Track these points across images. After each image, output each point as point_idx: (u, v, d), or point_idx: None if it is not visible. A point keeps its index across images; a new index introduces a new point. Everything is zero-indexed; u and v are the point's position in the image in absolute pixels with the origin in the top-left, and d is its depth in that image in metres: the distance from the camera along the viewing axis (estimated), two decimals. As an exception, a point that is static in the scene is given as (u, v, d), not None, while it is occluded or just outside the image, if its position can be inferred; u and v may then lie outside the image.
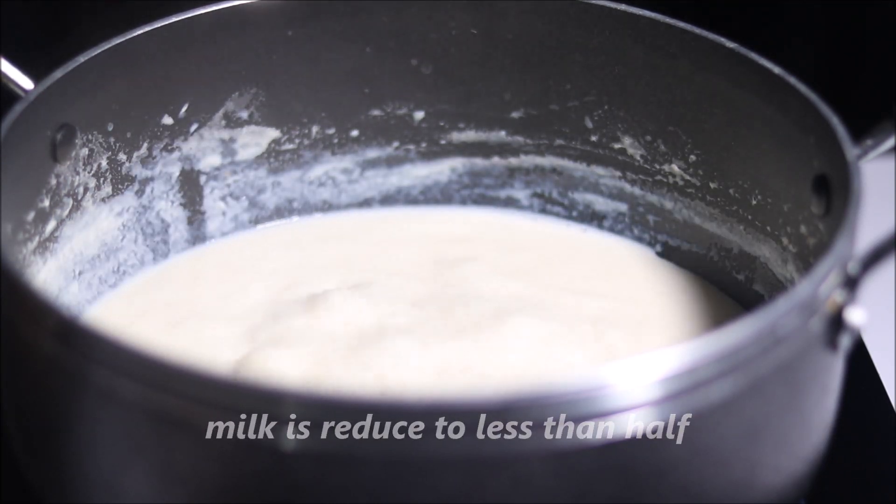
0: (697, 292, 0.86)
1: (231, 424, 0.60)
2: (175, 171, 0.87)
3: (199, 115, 0.87)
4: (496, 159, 0.91)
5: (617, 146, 0.89)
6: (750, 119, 0.82)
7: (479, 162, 0.92)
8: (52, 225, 0.80)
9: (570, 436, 0.60)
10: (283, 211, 0.91)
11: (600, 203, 0.90)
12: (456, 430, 0.59)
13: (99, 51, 0.80)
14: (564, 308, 0.83)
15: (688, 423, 0.62)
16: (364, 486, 0.60)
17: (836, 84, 1.10)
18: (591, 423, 0.60)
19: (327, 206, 0.92)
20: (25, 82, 0.78)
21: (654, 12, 0.84)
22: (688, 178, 0.87)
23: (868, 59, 1.14)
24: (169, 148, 0.87)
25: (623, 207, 0.90)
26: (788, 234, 0.81)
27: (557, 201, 0.91)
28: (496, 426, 0.59)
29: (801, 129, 0.77)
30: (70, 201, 0.82)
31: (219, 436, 0.61)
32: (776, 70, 0.79)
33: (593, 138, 0.89)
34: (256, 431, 0.60)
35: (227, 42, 0.85)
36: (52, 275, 0.80)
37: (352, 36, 0.88)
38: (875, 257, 0.68)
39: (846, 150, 0.72)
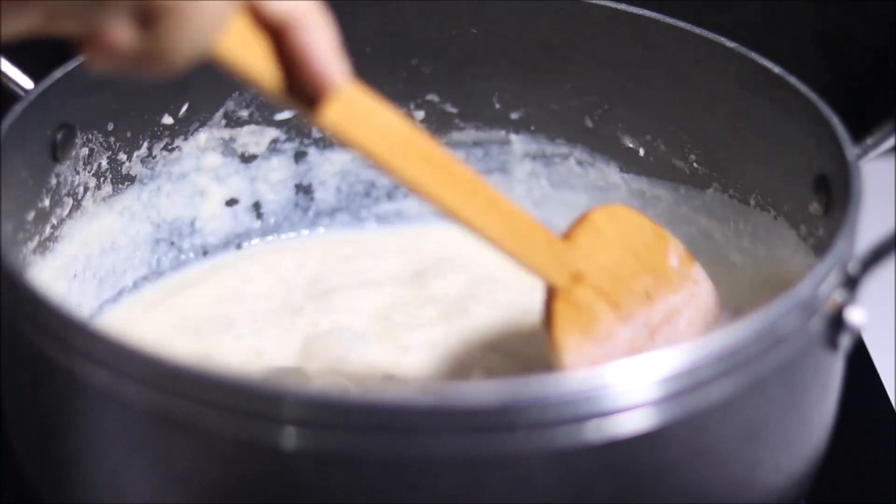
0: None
1: (231, 424, 0.60)
2: (175, 170, 0.87)
3: (199, 115, 0.87)
4: (496, 159, 0.91)
5: (617, 146, 0.89)
6: (750, 119, 0.82)
7: (478, 162, 0.92)
8: (52, 225, 0.80)
9: (570, 436, 0.60)
10: (284, 211, 0.91)
11: (600, 201, 0.90)
12: (456, 430, 0.59)
13: (99, 51, 0.80)
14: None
15: (688, 423, 0.62)
16: (364, 486, 0.60)
17: (836, 84, 1.10)
18: (591, 423, 0.60)
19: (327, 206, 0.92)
20: (25, 82, 0.78)
21: (654, 12, 0.84)
22: (688, 177, 0.87)
23: (868, 60, 1.14)
24: (169, 148, 0.87)
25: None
26: (789, 234, 0.81)
27: (558, 199, 0.91)
28: (496, 426, 0.59)
29: (801, 129, 0.77)
30: (70, 201, 0.82)
31: (219, 436, 0.61)
32: (776, 70, 0.79)
33: (593, 138, 0.89)
34: (256, 431, 0.60)
35: (227, 42, 0.85)
36: (52, 275, 0.80)
37: (352, 36, 0.88)
38: (875, 257, 0.68)
39: (846, 150, 0.72)
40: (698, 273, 0.76)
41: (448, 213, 0.65)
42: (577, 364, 0.68)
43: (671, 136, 0.87)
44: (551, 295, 0.68)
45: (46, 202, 0.80)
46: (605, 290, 0.69)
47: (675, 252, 0.74)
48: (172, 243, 0.88)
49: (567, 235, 0.70)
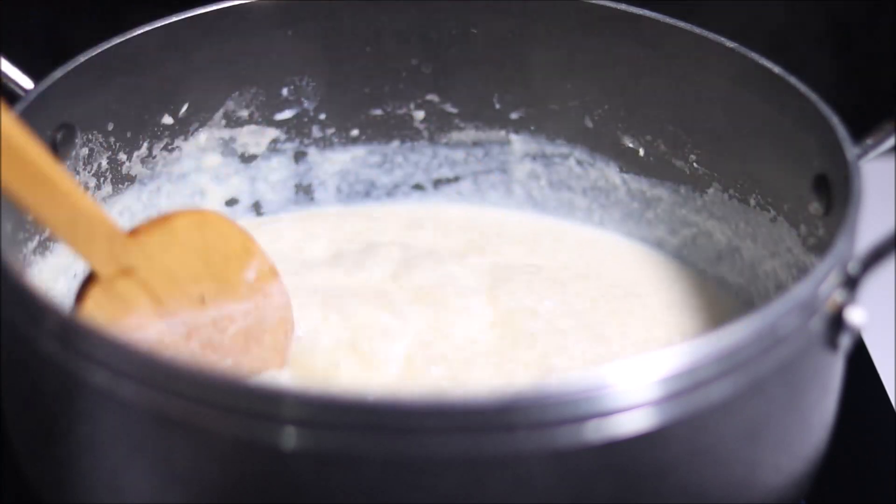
0: (697, 291, 0.86)
1: (231, 424, 0.60)
2: (175, 170, 0.87)
3: (199, 115, 0.87)
4: (496, 159, 0.91)
5: (617, 146, 0.89)
6: (750, 119, 0.82)
7: (478, 162, 0.92)
8: (52, 225, 0.80)
9: (570, 436, 0.60)
10: (284, 211, 0.91)
11: (600, 201, 0.90)
12: (456, 430, 0.59)
13: (99, 51, 0.80)
14: (562, 305, 0.83)
15: (688, 423, 0.62)
16: (364, 486, 0.60)
17: (836, 84, 1.10)
18: (591, 423, 0.60)
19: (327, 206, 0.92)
20: (25, 82, 0.78)
21: (654, 12, 0.84)
22: (687, 177, 0.87)
23: (869, 60, 1.14)
24: (169, 148, 0.87)
25: (623, 206, 0.90)
26: (789, 235, 0.81)
27: (557, 200, 0.91)
28: (496, 426, 0.59)
29: (801, 129, 0.77)
30: (70, 201, 0.81)
31: (219, 436, 0.61)
32: (776, 70, 0.79)
33: (593, 138, 0.89)
34: (256, 431, 0.60)
35: (227, 42, 0.85)
36: (52, 275, 0.80)
37: (352, 36, 0.88)
38: (875, 257, 0.68)
39: (846, 150, 0.72)
40: (275, 290, 0.77)
41: None
42: None
43: (671, 136, 0.87)
44: (91, 279, 0.70)
45: (46, 202, 0.79)
46: (151, 287, 0.71)
47: (256, 266, 0.76)
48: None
49: (136, 231, 0.71)
